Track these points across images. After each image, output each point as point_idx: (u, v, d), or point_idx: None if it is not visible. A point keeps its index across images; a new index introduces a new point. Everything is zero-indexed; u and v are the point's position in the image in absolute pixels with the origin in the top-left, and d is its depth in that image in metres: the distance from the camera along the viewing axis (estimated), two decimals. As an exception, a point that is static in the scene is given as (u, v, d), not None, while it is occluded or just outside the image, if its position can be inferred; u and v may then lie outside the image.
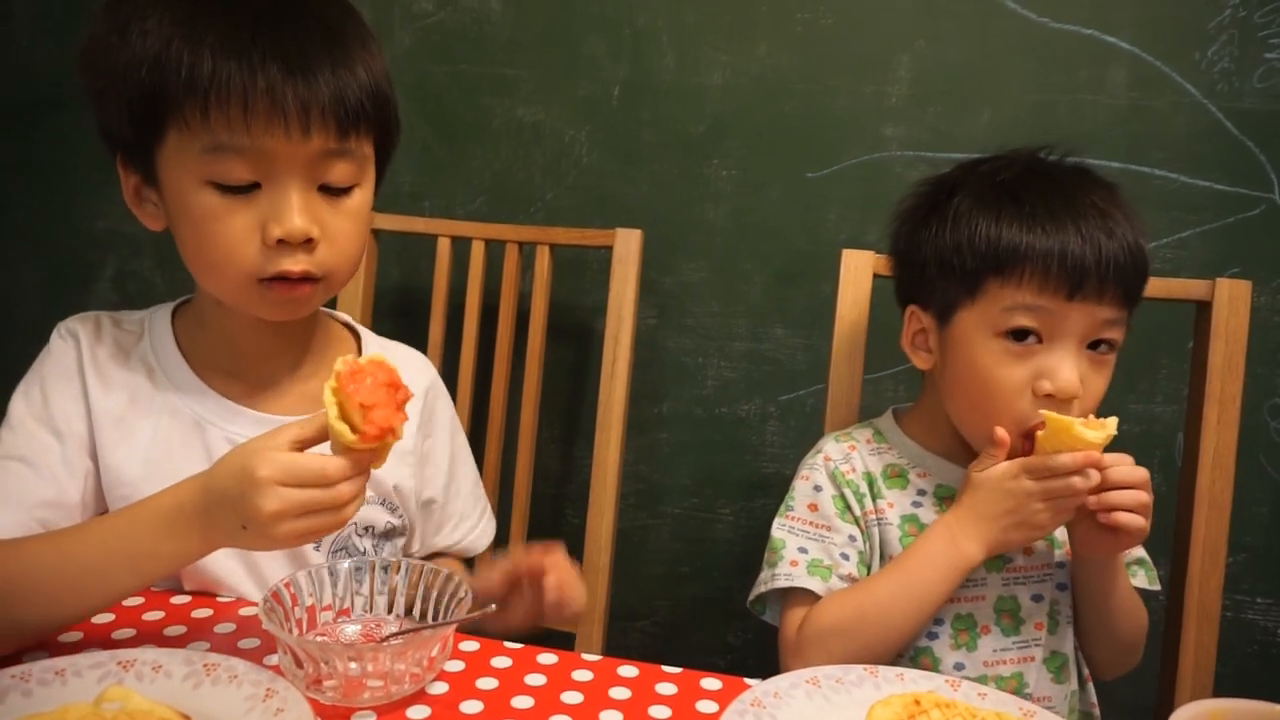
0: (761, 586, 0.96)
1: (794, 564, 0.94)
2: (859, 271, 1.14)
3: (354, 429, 0.66)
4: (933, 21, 1.31)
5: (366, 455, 0.68)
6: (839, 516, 0.96)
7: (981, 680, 0.91)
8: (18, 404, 0.83)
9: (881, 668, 0.74)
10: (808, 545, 0.95)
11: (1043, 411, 0.84)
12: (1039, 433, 0.84)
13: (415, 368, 1.00)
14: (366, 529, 0.92)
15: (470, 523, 1.02)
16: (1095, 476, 0.84)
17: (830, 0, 1.33)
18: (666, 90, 1.40)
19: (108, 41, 0.77)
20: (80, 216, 1.62)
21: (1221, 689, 1.01)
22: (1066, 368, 0.86)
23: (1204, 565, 1.07)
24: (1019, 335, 0.88)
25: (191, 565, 0.84)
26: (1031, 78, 1.29)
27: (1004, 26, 1.29)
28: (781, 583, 0.93)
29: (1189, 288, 1.11)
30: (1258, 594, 1.33)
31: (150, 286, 1.61)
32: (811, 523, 0.96)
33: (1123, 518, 0.84)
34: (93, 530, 0.73)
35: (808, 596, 0.93)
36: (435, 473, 0.98)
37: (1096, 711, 1.00)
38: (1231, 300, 1.08)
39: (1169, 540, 1.12)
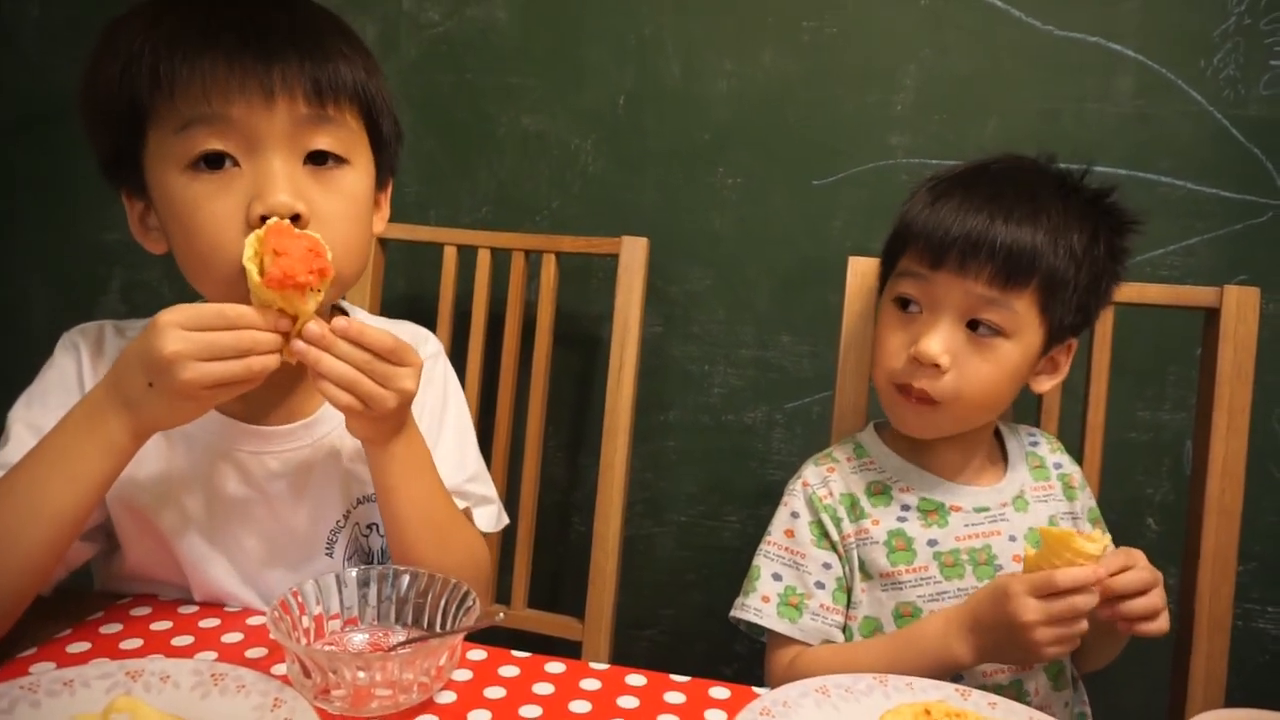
0: (733, 611, 0.97)
1: (765, 599, 0.95)
2: (865, 279, 1.14)
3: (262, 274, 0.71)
4: (938, 30, 1.31)
5: (274, 313, 0.72)
6: (814, 544, 0.96)
7: (980, 689, 0.90)
8: (17, 413, 0.83)
9: (891, 676, 0.74)
10: (782, 572, 0.96)
11: (1039, 528, 0.82)
12: (1031, 552, 0.81)
13: (413, 337, 0.96)
14: (370, 526, 0.91)
15: (469, 502, 0.96)
16: (1096, 597, 0.79)
17: (836, 9, 1.33)
18: (672, 99, 1.40)
19: (88, 76, 0.78)
20: (88, 228, 1.63)
21: (1233, 699, 1.01)
22: (930, 335, 0.90)
23: (1214, 574, 1.07)
24: (903, 303, 0.94)
25: (198, 580, 0.84)
26: (1037, 86, 1.29)
27: (1010, 35, 1.29)
28: (750, 615, 0.95)
29: (1197, 295, 1.10)
30: (1268, 603, 1.32)
31: (158, 298, 1.61)
32: (787, 549, 0.97)
33: (1148, 628, 0.81)
34: (30, 454, 0.73)
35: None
36: (445, 454, 0.93)
37: (1088, 710, 1.00)
38: (1240, 307, 1.08)
39: (1179, 549, 1.11)
